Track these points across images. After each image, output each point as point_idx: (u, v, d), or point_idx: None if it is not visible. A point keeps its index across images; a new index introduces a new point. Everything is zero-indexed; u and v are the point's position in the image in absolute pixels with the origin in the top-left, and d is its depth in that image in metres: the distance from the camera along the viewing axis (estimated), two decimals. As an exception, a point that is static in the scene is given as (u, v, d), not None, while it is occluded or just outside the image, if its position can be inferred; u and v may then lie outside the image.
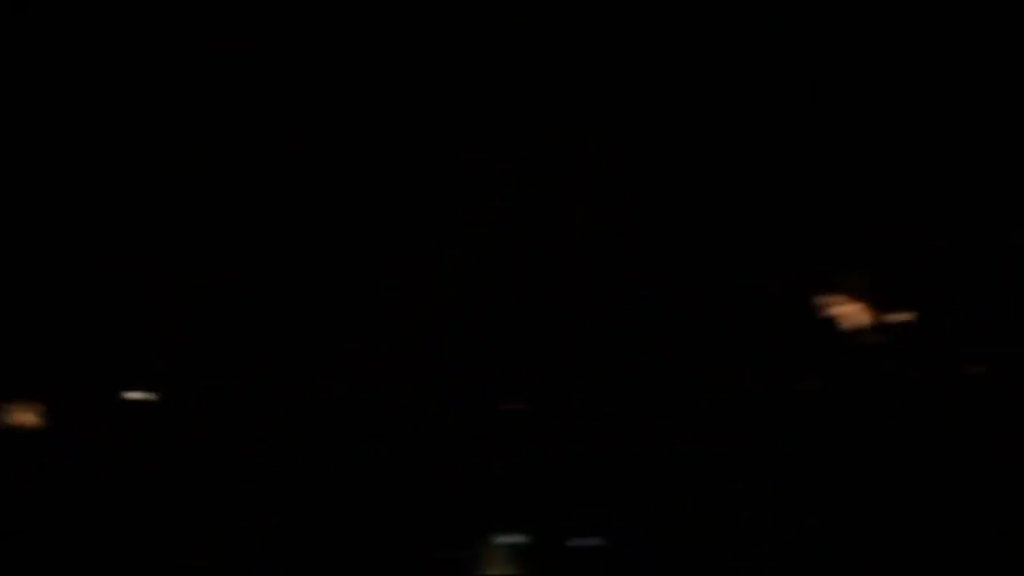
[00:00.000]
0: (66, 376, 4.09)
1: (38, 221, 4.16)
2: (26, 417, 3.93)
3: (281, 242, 4.20)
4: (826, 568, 3.74)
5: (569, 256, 4.16)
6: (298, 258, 4.20)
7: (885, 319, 3.92)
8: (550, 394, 4.09)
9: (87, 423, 4.05)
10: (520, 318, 4.15)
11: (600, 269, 4.14)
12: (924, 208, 4.02)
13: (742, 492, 3.87)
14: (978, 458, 3.77)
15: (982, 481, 3.74)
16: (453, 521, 3.97)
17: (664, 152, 4.15)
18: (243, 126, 4.21)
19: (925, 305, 3.94)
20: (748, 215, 4.09)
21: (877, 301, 3.96)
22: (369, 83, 4.21)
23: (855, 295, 3.94)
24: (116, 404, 4.09)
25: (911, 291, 3.98)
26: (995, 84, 3.99)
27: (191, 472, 4.01)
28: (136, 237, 4.19)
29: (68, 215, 4.17)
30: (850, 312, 3.94)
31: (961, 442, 3.80)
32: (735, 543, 3.83)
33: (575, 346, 4.12)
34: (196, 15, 4.17)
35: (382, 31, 4.20)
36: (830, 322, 3.94)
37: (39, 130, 4.17)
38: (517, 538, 3.95)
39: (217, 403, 4.11)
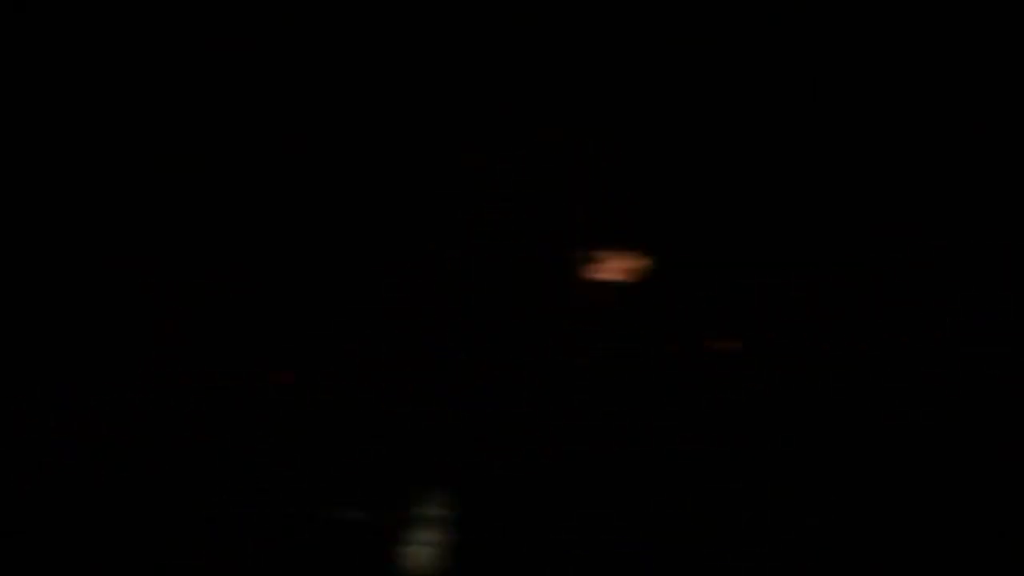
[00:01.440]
0: (62, 372, 4.10)
1: (38, 218, 4.18)
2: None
3: (279, 242, 4.21)
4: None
5: (566, 256, 4.16)
6: (296, 257, 4.20)
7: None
8: (543, 392, 4.10)
9: (84, 420, 4.07)
10: (519, 317, 4.16)
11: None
12: (922, 206, 4.03)
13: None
14: (966, 460, 3.78)
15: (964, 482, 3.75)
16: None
17: (661, 152, 4.16)
18: (242, 126, 4.22)
19: (922, 304, 3.94)
20: (745, 214, 4.10)
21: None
22: (368, 83, 4.22)
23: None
24: (114, 401, 4.10)
25: (910, 289, 3.98)
26: (995, 85, 4.00)
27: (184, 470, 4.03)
28: (135, 235, 4.20)
29: (68, 213, 4.18)
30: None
31: (953, 441, 3.80)
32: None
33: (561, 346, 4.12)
34: (196, 15, 4.18)
35: (382, 31, 4.21)
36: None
37: (39, 129, 4.18)
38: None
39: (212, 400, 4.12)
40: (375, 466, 4.04)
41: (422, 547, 3.95)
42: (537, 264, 4.16)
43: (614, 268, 4.08)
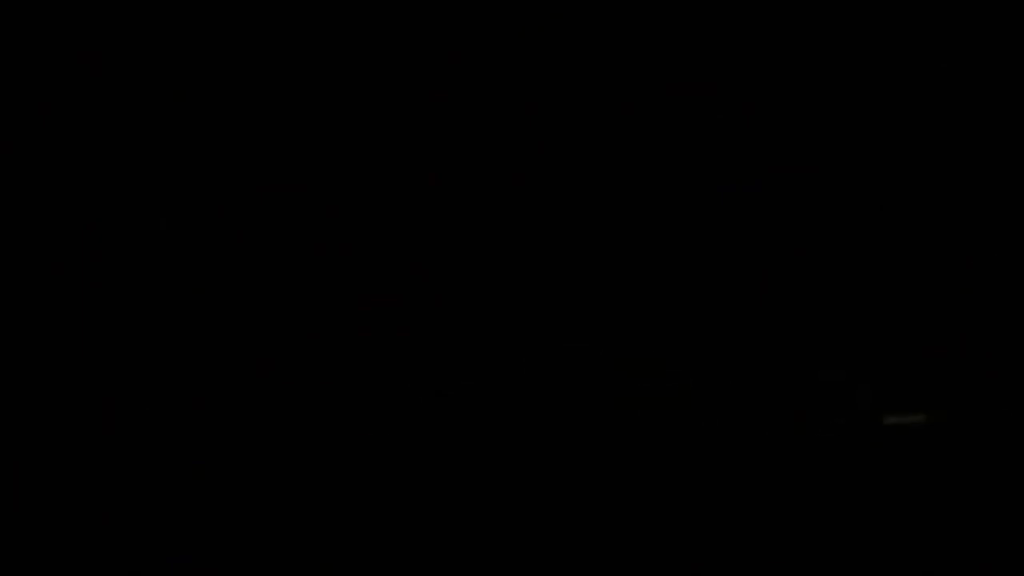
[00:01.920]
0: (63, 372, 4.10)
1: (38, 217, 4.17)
2: None
3: (278, 241, 4.21)
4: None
5: (565, 254, 4.17)
6: (293, 256, 4.21)
7: None
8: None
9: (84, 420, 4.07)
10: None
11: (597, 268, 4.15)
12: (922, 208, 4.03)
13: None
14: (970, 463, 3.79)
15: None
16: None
17: (662, 152, 4.16)
18: (242, 126, 4.21)
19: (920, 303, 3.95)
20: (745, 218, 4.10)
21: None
22: (368, 83, 4.22)
23: None
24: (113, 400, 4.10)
25: (907, 290, 3.99)
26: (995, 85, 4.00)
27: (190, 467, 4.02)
28: (134, 234, 4.19)
29: (68, 212, 4.18)
30: None
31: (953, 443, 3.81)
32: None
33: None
34: (196, 15, 4.17)
35: (382, 31, 4.20)
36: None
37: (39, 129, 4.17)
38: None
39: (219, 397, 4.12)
40: None
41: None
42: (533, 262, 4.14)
43: None
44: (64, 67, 4.14)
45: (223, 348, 4.15)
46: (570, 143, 4.17)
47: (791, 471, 3.90)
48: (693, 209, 4.13)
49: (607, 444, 4.05)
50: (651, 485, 3.96)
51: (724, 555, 3.85)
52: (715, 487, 3.94)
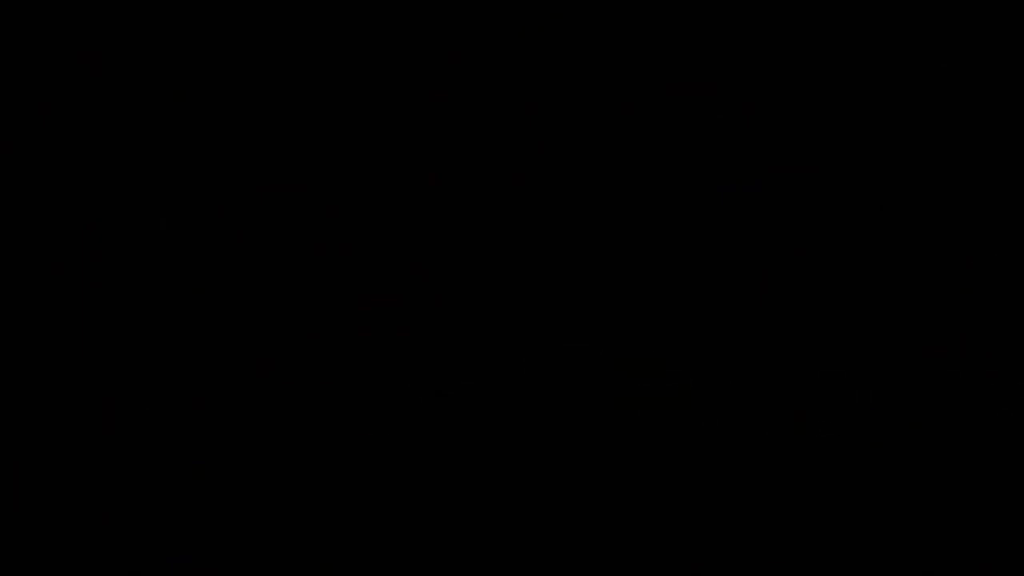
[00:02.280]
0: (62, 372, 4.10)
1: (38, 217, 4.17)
2: None
3: (278, 240, 4.21)
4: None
5: (565, 254, 4.17)
6: (293, 255, 4.21)
7: None
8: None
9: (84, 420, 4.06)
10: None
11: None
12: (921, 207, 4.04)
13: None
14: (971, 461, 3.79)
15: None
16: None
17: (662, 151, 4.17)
18: (242, 126, 4.22)
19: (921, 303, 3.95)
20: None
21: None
22: (368, 83, 4.22)
23: None
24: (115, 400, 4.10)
25: (909, 290, 3.99)
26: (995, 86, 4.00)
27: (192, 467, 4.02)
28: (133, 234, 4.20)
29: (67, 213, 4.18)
30: None
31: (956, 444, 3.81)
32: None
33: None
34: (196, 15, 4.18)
35: (382, 31, 4.21)
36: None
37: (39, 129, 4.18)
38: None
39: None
40: None
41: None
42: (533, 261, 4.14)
43: None
44: (64, 67, 4.15)
45: (223, 348, 4.15)
46: (570, 143, 4.18)
47: (791, 471, 3.90)
48: (693, 209, 4.13)
49: (607, 444, 4.04)
50: (651, 485, 3.96)
51: (724, 555, 3.85)
52: (715, 487, 3.93)
